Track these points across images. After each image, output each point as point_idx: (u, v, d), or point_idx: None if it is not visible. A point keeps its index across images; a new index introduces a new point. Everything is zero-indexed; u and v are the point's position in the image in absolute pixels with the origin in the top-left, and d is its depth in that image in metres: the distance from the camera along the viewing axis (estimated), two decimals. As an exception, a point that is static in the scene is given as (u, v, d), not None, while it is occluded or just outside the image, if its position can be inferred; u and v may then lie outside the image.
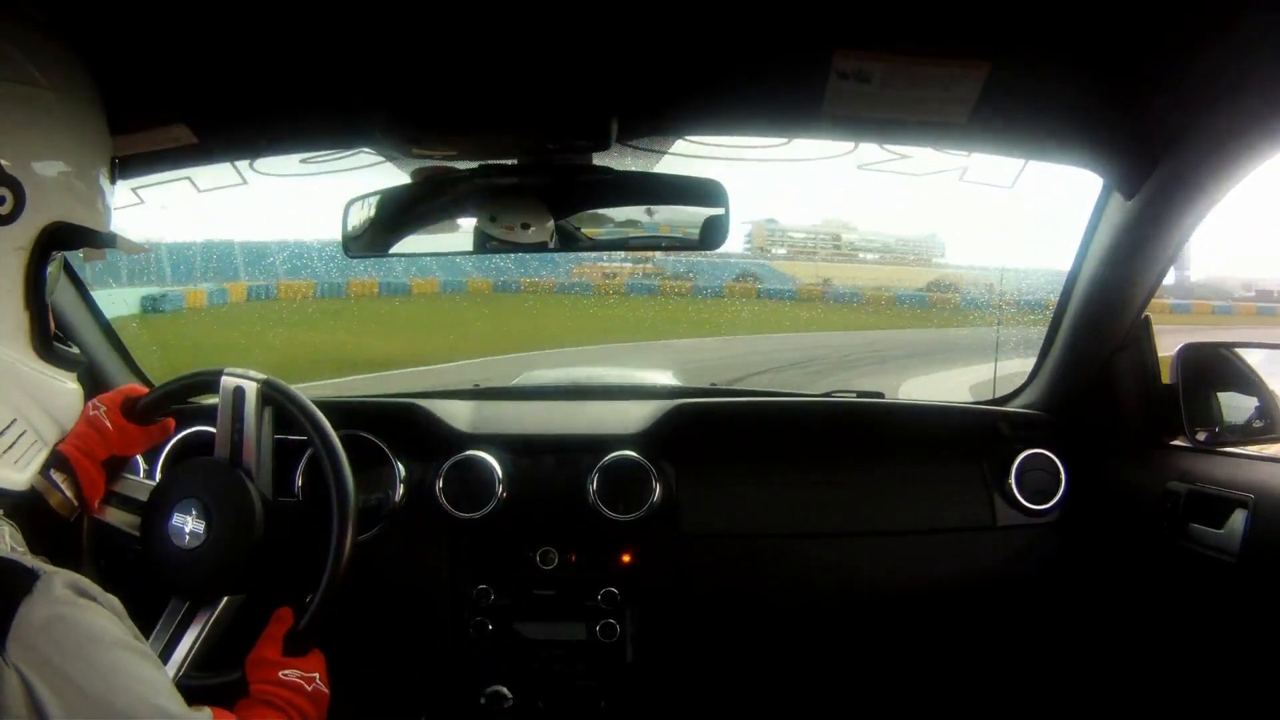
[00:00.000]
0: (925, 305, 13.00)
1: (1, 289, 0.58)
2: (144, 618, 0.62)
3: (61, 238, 0.61)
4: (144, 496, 1.03)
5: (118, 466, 1.02)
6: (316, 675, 0.92)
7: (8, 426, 0.59)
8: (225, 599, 1.01)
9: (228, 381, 1.03)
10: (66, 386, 0.64)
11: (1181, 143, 1.05)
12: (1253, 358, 1.28)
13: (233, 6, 0.85)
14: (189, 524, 0.99)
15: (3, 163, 0.56)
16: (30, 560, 0.53)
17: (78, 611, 0.50)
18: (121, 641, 0.52)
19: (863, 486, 1.40)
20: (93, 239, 0.64)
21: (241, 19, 0.87)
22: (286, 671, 0.89)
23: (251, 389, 1.03)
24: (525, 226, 1.24)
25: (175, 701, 0.53)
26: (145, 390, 1.04)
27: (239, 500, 1.01)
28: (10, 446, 0.59)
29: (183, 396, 1.07)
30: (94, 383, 1.41)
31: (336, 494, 0.99)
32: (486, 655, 1.35)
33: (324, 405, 1.10)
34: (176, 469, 1.07)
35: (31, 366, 0.61)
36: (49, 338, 0.62)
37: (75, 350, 0.68)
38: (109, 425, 0.98)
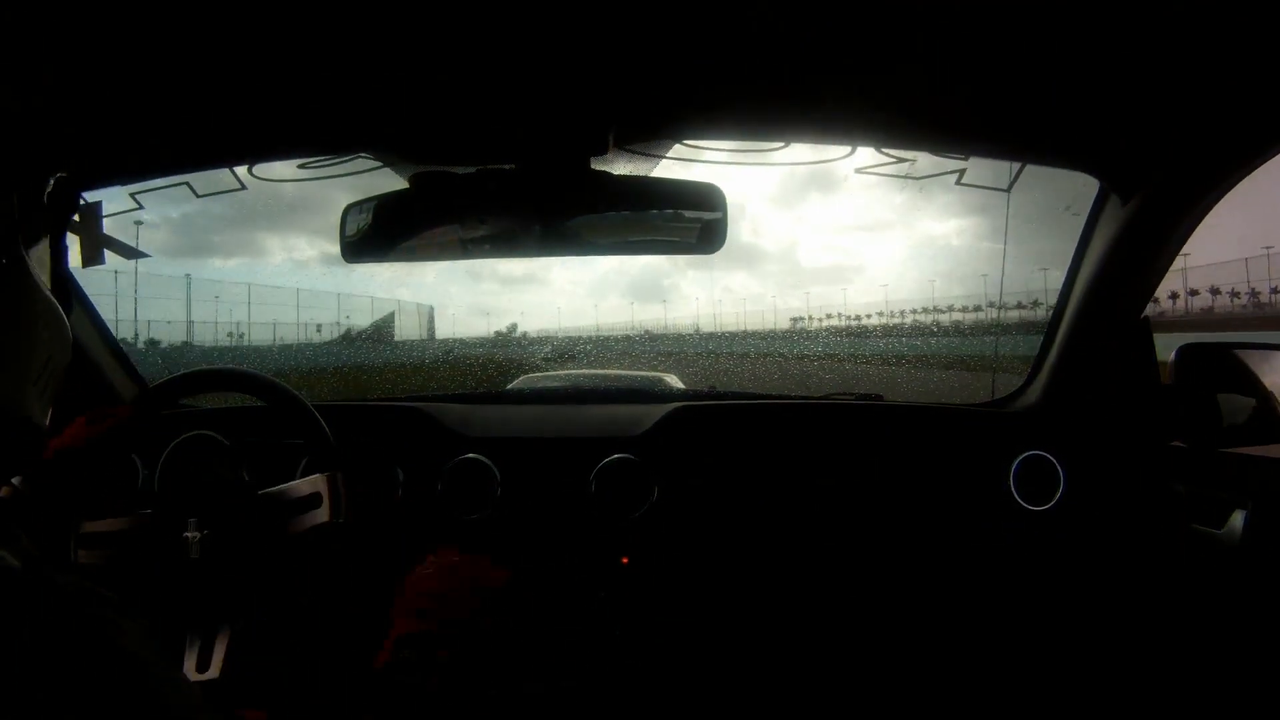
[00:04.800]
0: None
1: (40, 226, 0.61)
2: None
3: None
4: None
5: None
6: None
7: (46, 361, 0.60)
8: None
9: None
10: (67, 322, 0.65)
11: (1178, 144, 1.05)
12: (1251, 358, 1.28)
13: (233, 15, 0.85)
14: (193, 537, 1.00)
15: None
16: (38, 567, 0.53)
17: (92, 623, 0.50)
18: (138, 652, 0.51)
19: (862, 488, 1.40)
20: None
21: (240, 25, 0.87)
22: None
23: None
24: (523, 230, 1.24)
25: (198, 712, 0.52)
26: None
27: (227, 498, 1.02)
28: (47, 384, 0.60)
29: None
30: (92, 385, 1.42)
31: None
32: (485, 657, 1.35)
33: (327, 410, 1.11)
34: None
35: (56, 303, 0.62)
36: (64, 274, 0.65)
37: None
38: None
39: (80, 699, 0.45)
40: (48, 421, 0.61)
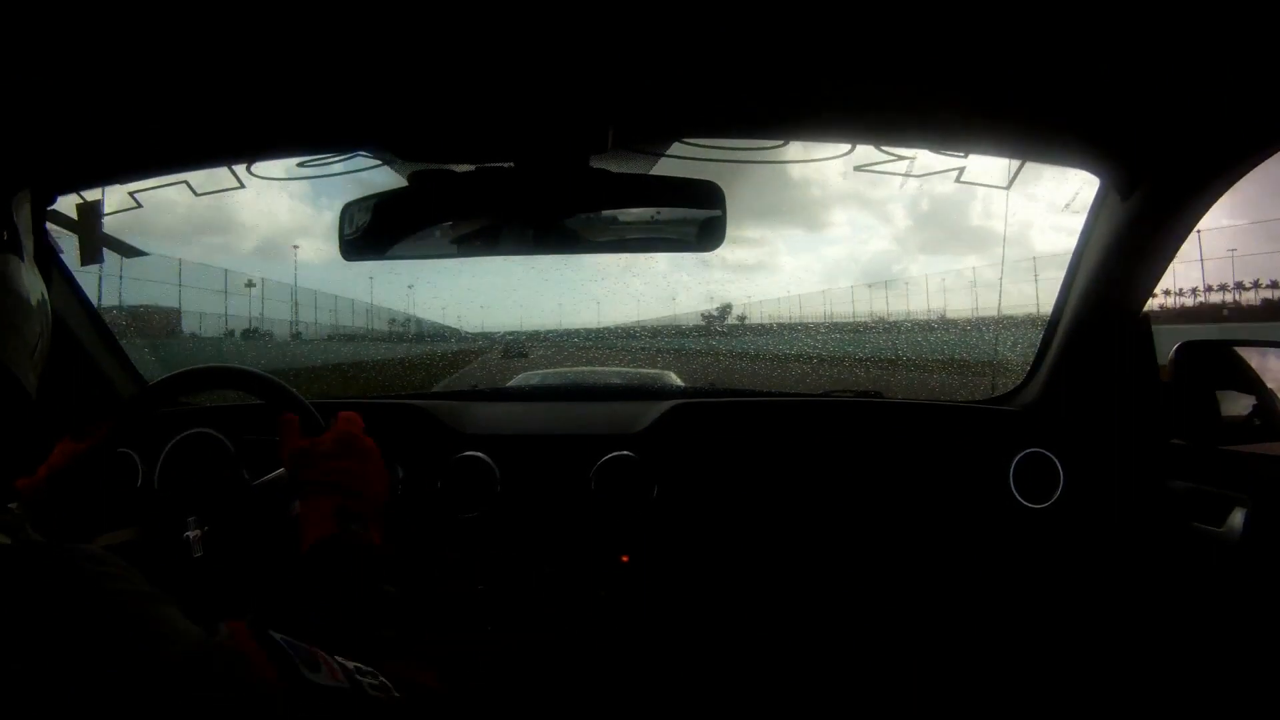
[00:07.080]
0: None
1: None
2: None
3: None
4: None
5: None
6: (349, 434, 0.90)
7: (38, 335, 0.61)
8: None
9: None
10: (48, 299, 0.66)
11: (1178, 142, 1.05)
12: (1251, 356, 1.28)
13: (233, 12, 0.85)
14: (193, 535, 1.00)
15: None
16: (50, 540, 0.53)
17: (106, 582, 0.51)
18: (147, 594, 0.52)
19: (861, 485, 1.40)
20: None
21: (239, 23, 0.87)
22: (321, 446, 0.88)
23: None
24: (523, 229, 1.24)
25: (198, 632, 0.53)
26: None
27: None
28: (38, 360, 0.61)
29: None
30: (92, 381, 1.42)
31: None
32: (485, 656, 1.36)
33: (326, 408, 1.11)
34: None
35: (43, 283, 0.65)
36: (46, 259, 0.67)
37: None
38: None
39: (79, 649, 0.46)
40: (34, 388, 0.62)
